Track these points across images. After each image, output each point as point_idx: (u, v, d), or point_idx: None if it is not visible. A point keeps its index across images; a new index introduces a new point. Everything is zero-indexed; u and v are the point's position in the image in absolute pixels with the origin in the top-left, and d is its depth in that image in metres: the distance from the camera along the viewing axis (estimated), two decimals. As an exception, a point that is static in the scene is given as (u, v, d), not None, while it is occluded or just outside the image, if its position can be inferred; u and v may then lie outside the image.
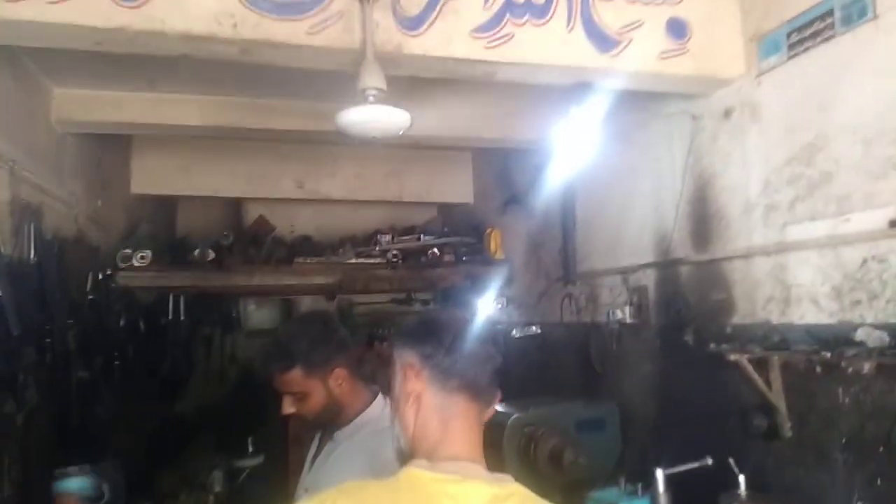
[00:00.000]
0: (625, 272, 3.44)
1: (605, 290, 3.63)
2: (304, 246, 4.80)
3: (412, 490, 1.10)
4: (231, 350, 5.88)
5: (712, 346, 2.65)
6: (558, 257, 3.98)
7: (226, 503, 3.76)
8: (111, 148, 4.17)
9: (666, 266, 3.15)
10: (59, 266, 2.96)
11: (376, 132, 2.32)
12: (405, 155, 4.92)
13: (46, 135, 3.22)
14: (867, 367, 2.11)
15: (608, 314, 3.48)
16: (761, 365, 2.48)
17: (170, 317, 4.83)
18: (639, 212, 3.34)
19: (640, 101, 3.11)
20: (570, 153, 3.09)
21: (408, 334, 1.30)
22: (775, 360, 2.43)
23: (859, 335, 2.14)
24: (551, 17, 2.41)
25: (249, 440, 4.18)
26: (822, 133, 2.31)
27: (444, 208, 5.71)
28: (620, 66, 2.47)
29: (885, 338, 2.07)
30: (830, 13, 2.26)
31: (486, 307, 4.76)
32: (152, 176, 4.60)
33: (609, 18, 2.46)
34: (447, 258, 4.82)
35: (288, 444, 3.92)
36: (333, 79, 2.41)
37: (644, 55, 2.49)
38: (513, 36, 2.37)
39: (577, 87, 2.65)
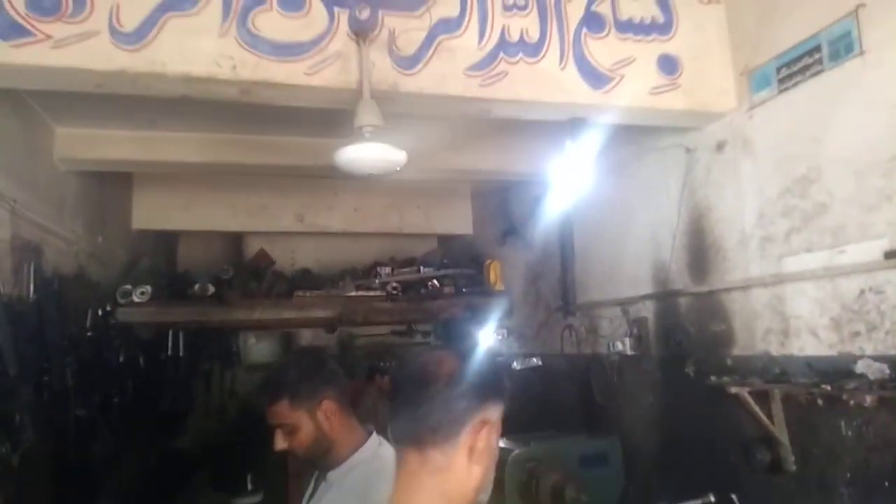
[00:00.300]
0: (624, 303, 3.44)
1: (605, 322, 3.63)
2: (305, 279, 4.82)
3: None
4: (231, 385, 5.85)
5: (713, 378, 2.64)
6: (557, 288, 3.98)
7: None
8: (112, 185, 4.22)
9: (664, 297, 3.15)
10: (59, 303, 2.97)
11: (373, 169, 2.35)
12: (405, 187, 4.97)
13: (48, 173, 3.26)
14: (869, 399, 2.10)
15: (609, 346, 3.47)
16: (762, 397, 2.46)
17: (169, 352, 4.81)
18: (636, 243, 3.36)
19: (634, 135, 3.15)
20: (567, 186, 3.12)
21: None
22: (776, 392, 2.42)
23: (860, 367, 2.13)
24: (544, 56, 2.45)
25: (248, 477, 4.14)
26: (814, 165, 2.33)
27: (444, 240, 5.74)
28: (613, 102, 2.51)
29: (885, 370, 2.06)
30: (818, 49, 2.30)
31: (487, 338, 4.74)
32: (153, 212, 4.64)
33: (601, 55, 2.51)
34: (447, 290, 4.83)
35: (288, 481, 3.87)
36: (332, 115, 2.45)
37: (636, 91, 2.53)
38: (507, 74, 2.41)
39: (572, 122, 2.69)
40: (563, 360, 3.95)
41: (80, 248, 3.53)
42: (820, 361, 2.29)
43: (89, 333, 3.43)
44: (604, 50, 2.51)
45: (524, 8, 2.46)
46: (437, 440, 1.14)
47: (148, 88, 2.23)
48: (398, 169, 2.37)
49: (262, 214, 4.88)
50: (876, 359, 2.09)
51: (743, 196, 2.66)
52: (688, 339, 2.98)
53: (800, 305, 2.40)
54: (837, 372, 2.19)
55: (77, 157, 3.36)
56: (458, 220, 5.41)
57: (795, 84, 2.40)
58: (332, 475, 1.86)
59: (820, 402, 2.28)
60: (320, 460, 1.87)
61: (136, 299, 3.99)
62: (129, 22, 2.06)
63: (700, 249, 2.92)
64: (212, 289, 4.26)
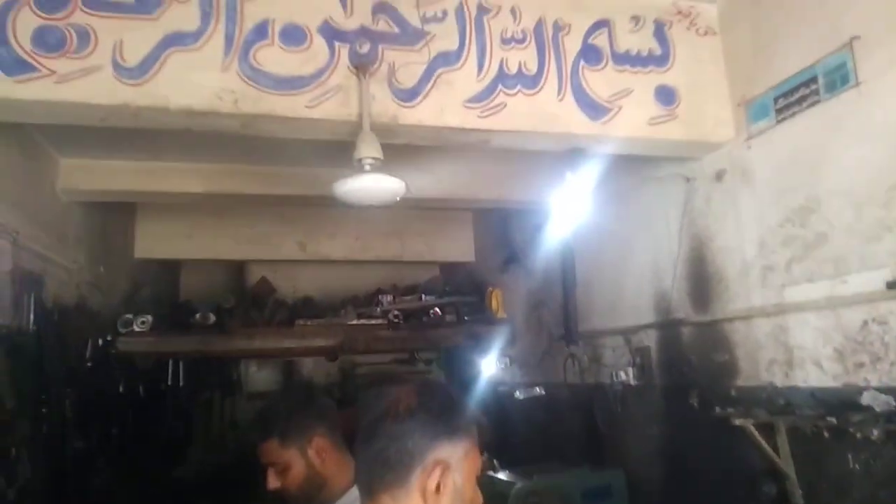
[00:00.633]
0: (626, 332, 3.42)
1: (608, 351, 3.60)
2: (306, 307, 4.81)
3: None
4: (231, 414, 5.81)
5: (717, 409, 2.61)
6: (559, 316, 3.96)
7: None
8: (115, 214, 4.24)
9: (667, 326, 3.12)
10: (59, 334, 2.97)
11: (373, 200, 2.36)
12: (406, 215, 4.98)
13: (51, 203, 3.29)
14: (876, 432, 2.06)
15: (612, 375, 3.43)
16: (768, 430, 2.42)
17: (169, 381, 4.78)
18: (638, 272, 3.34)
19: (633, 164, 3.16)
20: (568, 214, 3.12)
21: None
22: (781, 425, 2.38)
23: (865, 399, 2.10)
24: (542, 87, 2.48)
25: (249, 508, 4.07)
26: (813, 195, 2.33)
27: (446, 267, 5.73)
28: (611, 133, 2.53)
29: (891, 402, 2.03)
30: (814, 80, 2.31)
31: (490, 367, 4.71)
32: (156, 241, 4.66)
33: (598, 87, 2.53)
34: (449, 317, 4.80)
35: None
36: (333, 145, 2.46)
37: (634, 121, 2.54)
38: (505, 105, 2.43)
39: (571, 152, 2.70)
40: (567, 390, 3.91)
41: (82, 278, 3.54)
42: (825, 393, 2.26)
43: (89, 364, 3.42)
44: (601, 81, 2.54)
45: (522, 41, 2.50)
46: (386, 483, 1.06)
47: (150, 122, 2.25)
48: (398, 199, 2.39)
49: (264, 243, 4.89)
50: (881, 390, 2.06)
51: (743, 225, 2.65)
52: (691, 370, 2.95)
53: (803, 336, 2.38)
54: (843, 404, 2.15)
55: (81, 188, 3.40)
56: (459, 248, 5.41)
57: (793, 114, 2.41)
58: None
59: (826, 434, 2.25)
60: (314, 498, 1.83)
61: (136, 328, 3.98)
62: (133, 57, 2.09)
63: (701, 278, 2.90)
64: (213, 318, 4.25)
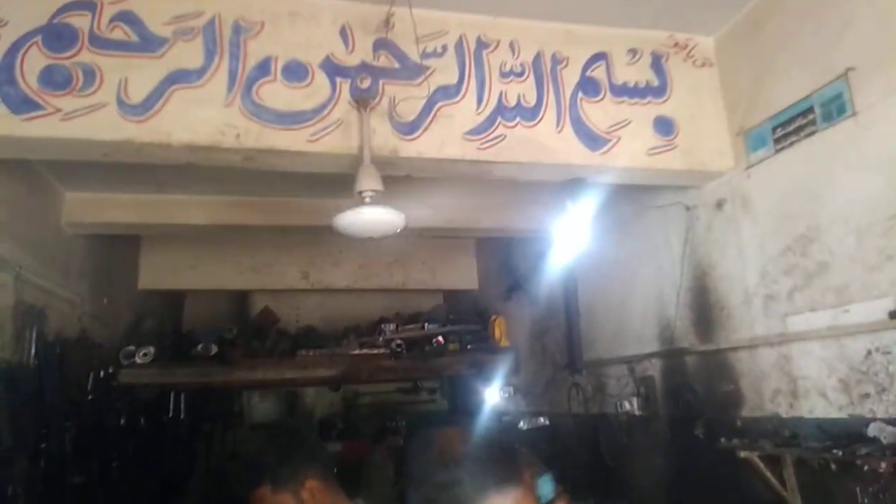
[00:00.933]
0: (630, 361, 3.39)
1: (612, 380, 3.56)
2: (309, 337, 4.80)
3: None
4: (233, 445, 5.75)
5: (723, 440, 2.57)
6: (563, 345, 3.93)
7: None
8: (119, 246, 4.27)
9: (671, 355, 3.10)
10: (60, 367, 2.96)
11: (373, 232, 2.37)
12: (409, 244, 5.00)
13: (56, 237, 3.31)
14: (884, 465, 2.02)
15: (616, 406, 3.40)
16: (774, 462, 2.38)
17: (171, 413, 4.75)
18: (640, 300, 3.33)
19: (634, 194, 3.17)
20: (570, 242, 3.12)
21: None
22: (787, 457, 2.34)
23: (872, 431, 2.07)
24: (541, 119, 2.50)
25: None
26: (813, 224, 2.33)
27: (450, 295, 5.72)
28: (611, 163, 2.54)
29: (898, 434, 2.00)
30: (811, 110, 2.33)
31: (493, 396, 4.67)
32: (160, 272, 4.68)
33: (597, 118, 2.55)
34: (452, 346, 4.78)
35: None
36: (335, 175, 2.48)
37: (633, 152, 2.56)
38: (505, 137, 2.46)
39: (572, 182, 2.72)
40: (571, 420, 3.87)
41: (84, 311, 3.54)
42: (830, 424, 2.23)
43: (90, 396, 3.40)
44: (600, 113, 2.56)
45: (521, 74, 2.53)
46: None
47: (153, 157, 2.28)
48: (398, 231, 2.39)
49: (268, 272, 4.91)
50: (888, 422, 2.03)
51: (744, 254, 2.65)
52: (696, 399, 2.92)
53: (807, 365, 2.35)
54: (849, 435, 2.12)
55: (85, 221, 3.43)
56: (463, 276, 5.41)
57: (791, 144, 2.42)
58: None
59: (833, 467, 2.20)
60: None
61: (138, 360, 3.97)
62: (137, 94, 2.13)
63: (704, 307, 2.89)
64: (215, 349, 4.24)
